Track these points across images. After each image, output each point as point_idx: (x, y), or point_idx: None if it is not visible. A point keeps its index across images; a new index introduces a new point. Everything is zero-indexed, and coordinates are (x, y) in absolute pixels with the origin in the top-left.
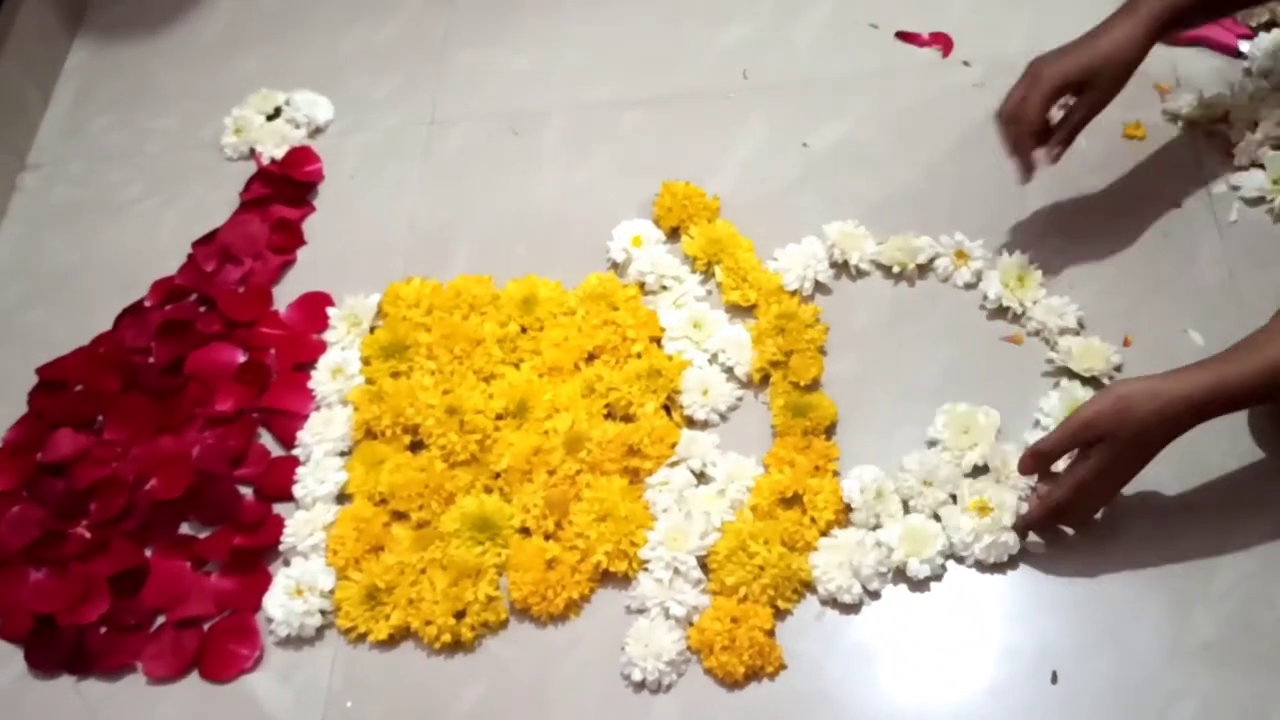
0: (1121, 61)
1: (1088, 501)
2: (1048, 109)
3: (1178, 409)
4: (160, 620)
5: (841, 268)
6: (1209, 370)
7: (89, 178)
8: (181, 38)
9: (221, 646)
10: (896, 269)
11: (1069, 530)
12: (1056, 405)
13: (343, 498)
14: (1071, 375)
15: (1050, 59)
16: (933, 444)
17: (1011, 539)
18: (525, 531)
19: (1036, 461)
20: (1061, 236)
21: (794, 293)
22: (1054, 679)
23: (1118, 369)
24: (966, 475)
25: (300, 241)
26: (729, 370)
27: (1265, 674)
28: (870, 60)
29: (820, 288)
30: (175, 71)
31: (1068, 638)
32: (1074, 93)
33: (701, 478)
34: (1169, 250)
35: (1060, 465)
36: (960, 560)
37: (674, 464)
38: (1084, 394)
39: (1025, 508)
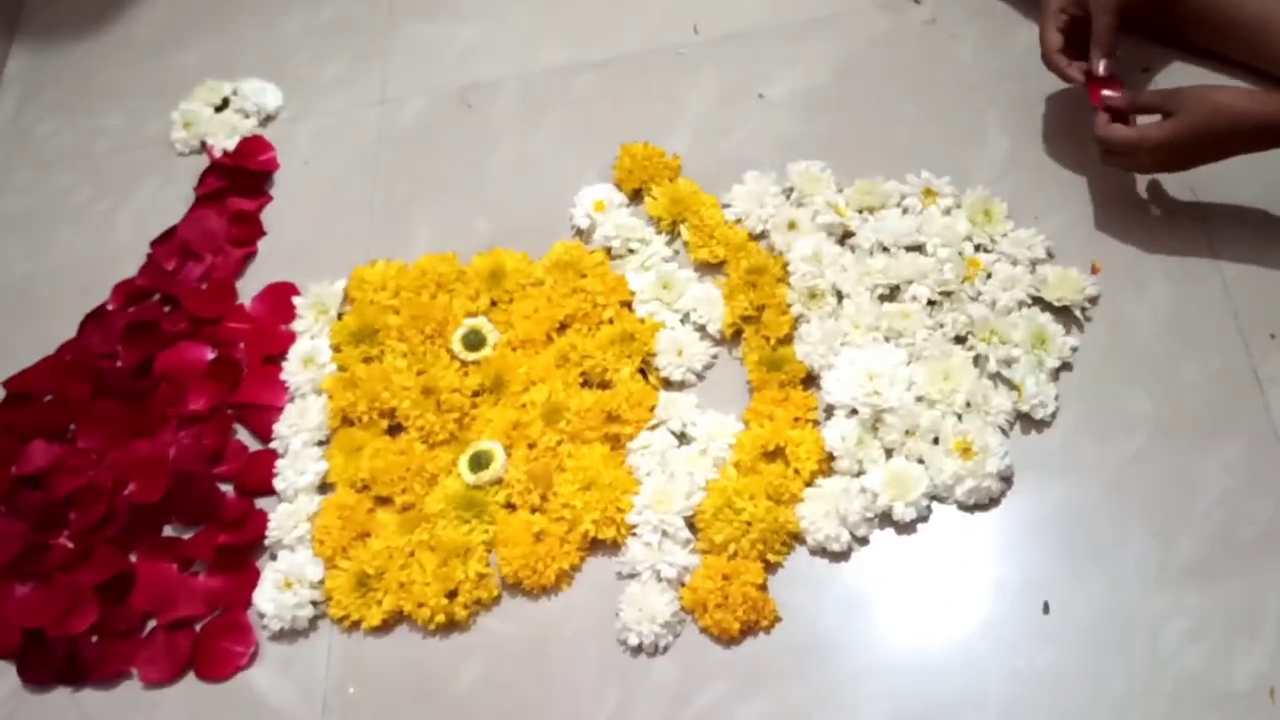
0: None
1: (1152, 159)
2: (1061, 28)
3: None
4: (151, 624)
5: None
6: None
7: (37, 185)
8: (120, 35)
9: (215, 645)
10: (864, 214)
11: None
12: (1024, 335)
13: (324, 487)
14: (1044, 305)
15: None
16: (919, 399)
17: (994, 484)
18: (511, 507)
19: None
20: (1023, 168)
21: (759, 235)
22: (1045, 609)
23: (1091, 300)
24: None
25: (260, 232)
26: (701, 328)
27: (1250, 590)
28: (820, 5)
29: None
30: (117, 69)
31: (1056, 568)
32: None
33: (682, 438)
34: (1132, 174)
35: None
36: (944, 500)
37: (654, 427)
38: (1046, 320)
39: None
